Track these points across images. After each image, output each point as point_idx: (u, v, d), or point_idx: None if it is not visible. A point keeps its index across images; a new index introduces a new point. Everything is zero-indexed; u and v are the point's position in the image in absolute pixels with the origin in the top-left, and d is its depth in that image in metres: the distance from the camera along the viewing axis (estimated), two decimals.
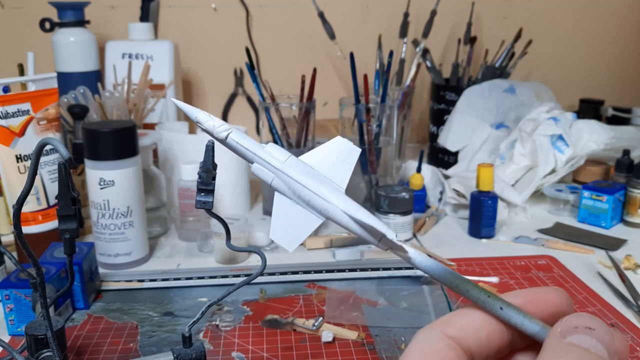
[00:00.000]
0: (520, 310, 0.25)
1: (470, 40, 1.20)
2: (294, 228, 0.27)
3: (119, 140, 0.71)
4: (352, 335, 0.59)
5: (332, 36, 1.22)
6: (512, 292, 0.26)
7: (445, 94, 1.14)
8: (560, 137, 0.95)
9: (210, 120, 0.27)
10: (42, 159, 0.75)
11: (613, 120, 1.24)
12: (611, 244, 0.81)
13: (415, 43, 1.20)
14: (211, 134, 0.27)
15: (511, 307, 0.25)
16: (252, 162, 0.27)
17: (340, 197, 0.26)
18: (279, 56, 1.32)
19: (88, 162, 0.71)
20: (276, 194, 0.28)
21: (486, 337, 0.25)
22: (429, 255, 0.77)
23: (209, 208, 0.52)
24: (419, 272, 0.70)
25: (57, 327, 0.49)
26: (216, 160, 0.53)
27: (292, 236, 0.27)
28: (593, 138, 0.96)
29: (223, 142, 0.27)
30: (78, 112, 0.90)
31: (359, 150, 0.27)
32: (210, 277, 0.71)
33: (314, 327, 0.60)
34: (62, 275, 0.62)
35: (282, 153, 0.27)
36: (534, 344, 0.25)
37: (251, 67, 0.89)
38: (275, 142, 0.89)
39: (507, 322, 0.25)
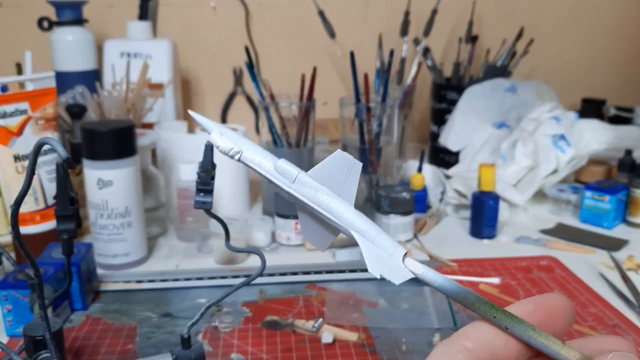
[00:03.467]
0: (528, 326, 0.25)
1: (472, 39, 1.20)
2: (321, 232, 0.28)
3: (117, 140, 0.70)
4: (352, 336, 0.58)
5: (332, 35, 1.21)
6: (523, 300, 0.26)
7: (446, 93, 1.14)
8: (562, 137, 0.94)
9: (221, 144, 0.27)
10: (40, 159, 0.74)
11: (615, 120, 1.24)
12: (613, 245, 0.81)
13: (416, 42, 1.20)
14: (226, 154, 0.27)
15: (517, 324, 0.25)
16: None
17: (350, 215, 0.27)
18: (278, 55, 1.31)
19: (86, 162, 0.71)
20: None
21: (503, 347, 0.25)
22: (430, 256, 0.77)
23: (208, 208, 0.52)
24: None
25: (55, 328, 0.49)
26: (215, 160, 0.53)
27: (321, 238, 0.29)
28: (595, 138, 0.95)
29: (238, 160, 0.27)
30: (76, 111, 0.90)
31: (360, 165, 0.27)
32: (209, 278, 0.71)
33: (314, 329, 0.59)
34: (60, 276, 0.61)
35: (290, 172, 0.27)
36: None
37: (250, 66, 0.88)
38: (274, 141, 0.89)
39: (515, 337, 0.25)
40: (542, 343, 0.24)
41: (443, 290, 0.26)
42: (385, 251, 0.26)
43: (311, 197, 0.27)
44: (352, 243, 0.79)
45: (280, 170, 0.27)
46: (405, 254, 0.26)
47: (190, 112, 0.29)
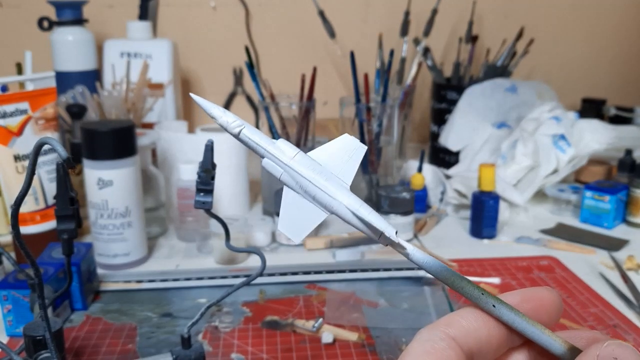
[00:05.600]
0: (513, 308, 0.25)
1: (472, 39, 1.20)
2: (301, 220, 0.29)
3: (117, 140, 0.70)
4: (352, 336, 0.58)
5: (332, 35, 1.21)
6: (510, 292, 0.27)
7: (447, 93, 1.14)
8: (562, 137, 0.94)
9: (224, 116, 0.28)
10: (40, 159, 0.74)
11: (615, 120, 1.24)
12: (613, 245, 0.81)
13: (416, 42, 1.20)
14: (225, 129, 0.28)
15: (504, 304, 0.25)
16: (263, 157, 0.28)
17: (344, 193, 0.27)
18: (278, 55, 1.31)
19: (86, 162, 0.71)
20: (284, 187, 0.28)
21: (486, 336, 0.25)
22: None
23: (208, 208, 0.52)
24: (420, 273, 0.70)
25: (55, 328, 0.49)
26: (215, 160, 0.53)
27: (299, 228, 0.29)
28: (595, 138, 0.95)
29: (236, 137, 0.28)
30: (76, 111, 0.90)
31: (364, 148, 0.28)
32: (209, 278, 0.71)
33: (314, 329, 0.59)
34: (61, 276, 0.61)
35: (291, 149, 0.28)
36: (530, 341, 0.26)
37: (251, 66, 0.89)
38: None
39: (500, 320, 0.25)
40: (526, 325, 0.25)
41: (429, 270, 0.27)
42: (377, 228, 0.27)
43: (307, 174, 0.27)
44: (352, 243, 0.80)
45: (280, 148, 0.28)
46: (396, 232, 0.27)
47: (192, 95, 0.30)
